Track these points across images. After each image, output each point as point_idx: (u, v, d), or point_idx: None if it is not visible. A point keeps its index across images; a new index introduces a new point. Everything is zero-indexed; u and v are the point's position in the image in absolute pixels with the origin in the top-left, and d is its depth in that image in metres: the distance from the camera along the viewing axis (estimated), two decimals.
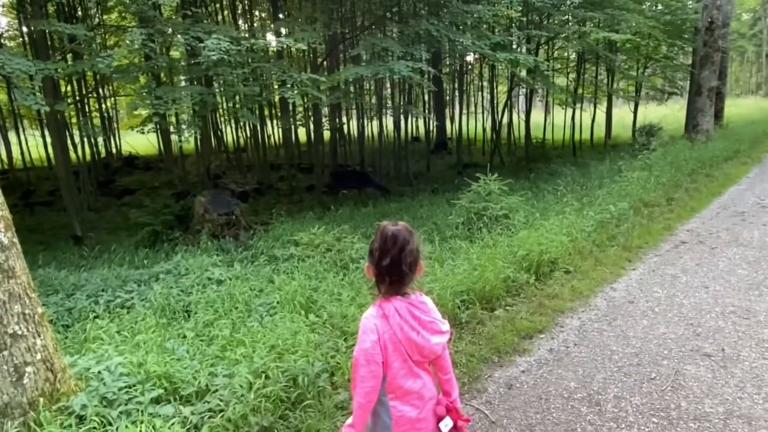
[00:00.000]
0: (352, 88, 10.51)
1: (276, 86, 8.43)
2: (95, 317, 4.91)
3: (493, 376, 3.39)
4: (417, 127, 22.33)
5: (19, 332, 2.77)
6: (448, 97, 23.57)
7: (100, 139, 15.58)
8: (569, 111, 20.43)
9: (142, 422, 2.81)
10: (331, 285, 5.08)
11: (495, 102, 19.02)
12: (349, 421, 1.93)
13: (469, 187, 7.55)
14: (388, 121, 21.41)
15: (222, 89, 10.40)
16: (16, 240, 2.87)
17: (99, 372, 3.25)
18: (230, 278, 5.87)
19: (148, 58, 8.12)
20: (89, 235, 8.66)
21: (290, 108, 10.78)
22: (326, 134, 16.91)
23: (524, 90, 20.95)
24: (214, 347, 3.92)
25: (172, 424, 2.79)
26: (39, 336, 2.89)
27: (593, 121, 20.55)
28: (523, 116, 19.42)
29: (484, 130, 20.80)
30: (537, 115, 21.23)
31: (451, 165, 17.14)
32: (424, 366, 1.97)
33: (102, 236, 8.83)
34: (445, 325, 1.98)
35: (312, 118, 13.07)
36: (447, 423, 1.99)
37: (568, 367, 3.46)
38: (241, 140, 17.32)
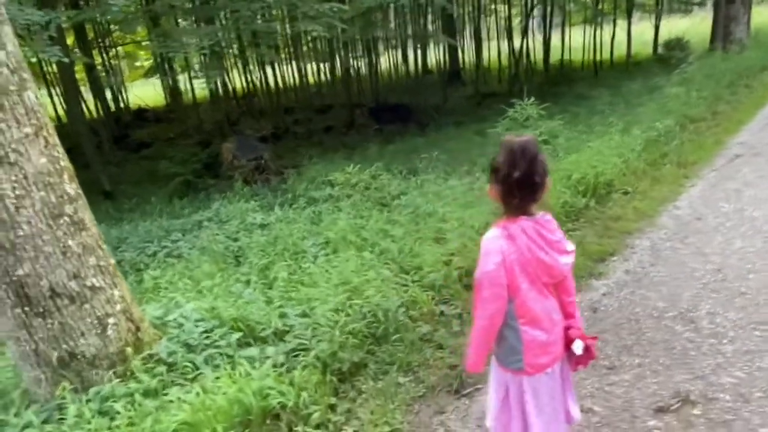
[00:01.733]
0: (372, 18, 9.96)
1: (293, 20, 7.97)
2: (146, 268, 4.89)
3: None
4: (427, 59, 21.53)
5: (97, 284, 2.69)
6: (458, 26, 22.53)
7: (108, 94, 15.20)
8: (587, 31, 19.51)
9: (230, 365, 2.78)
10: (378, 222, 4.95)
11: (511, 25, 18.13)
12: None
13: (494, 117, 7.27)
14: (397, 55, 20.67)
15: (235, 27, 9.88)
16: (80, 191, 2.74)
17: (175, 319, 3.21)
18: (273, 221, 5.80)
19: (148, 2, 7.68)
20: (119, 188, 8.56)
21: (306, 45, 10.28)
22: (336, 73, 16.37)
23: (539, 12, 19.93)
24: (276, 290, 3.84)
25: (261, 365, 2.74)
26: (116, 287, 2.82)
27: (613, 39, 19.59)
28: (540, 39, 18.62)
29: (499, 57, 20.00)
30: (553, 38, 20.28)
31: (469, 96, 16.60)
32: (551, 288, 1.86)
33: (130, 190, 8.73)
34: (571, 245, 1.84)
35: (328, 55, 12.51)
36: (578, 344, 1.89)
37: (650, 288, 3.35)
38: (250, 85, 16.86)
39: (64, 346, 2.57)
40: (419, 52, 17.54)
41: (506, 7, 18.41)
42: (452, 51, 20.29)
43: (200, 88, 15.59)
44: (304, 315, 3.27)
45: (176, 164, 7.77)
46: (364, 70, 17.24)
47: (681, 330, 2.87)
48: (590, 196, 4.83)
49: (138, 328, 2.91)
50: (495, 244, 1.73)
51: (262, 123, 14.39)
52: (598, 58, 17.81)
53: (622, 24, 19.70)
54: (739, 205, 4.48)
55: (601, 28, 18.93)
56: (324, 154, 9.33)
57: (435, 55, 20.16)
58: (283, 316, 3.28)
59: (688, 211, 4.52)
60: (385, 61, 21.17)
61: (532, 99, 7.24)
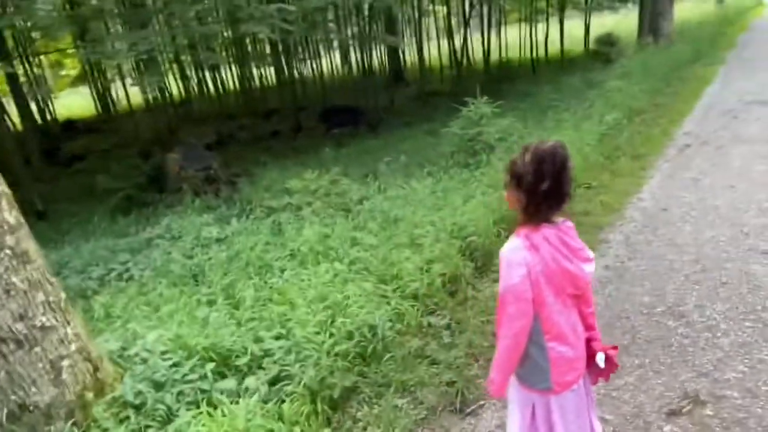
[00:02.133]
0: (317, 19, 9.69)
1: (236, 22, 7.59)
2: (94, 294, 4.47)
3: None
4: (369, 60, 21.42)
5: (48, 323, 2.35)
6: (399, 27, 22.57)
7: (34, 105, 14.11)
8: (523, 29, 20.05)
9: (207, 401, 2.50)
10: (345, 230, 4.74)
11: (450, 25, 18.31)
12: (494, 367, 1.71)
13: (441, 116, 7.23)
14: (337, 57, 20.41)
15: (170, 31, 9.36)
16: (22, 219, 2.39)
17: (137, 353, 2.89)
18: (231, 235, 5.47)
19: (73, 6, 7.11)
20: (54, 207, 7.87)
21: (249, 48, 9.89)
22: (272, 76, 15.91)
23: (477, 12, 20.24)
24: (244, 311, 3.56)
25: (243, 399, 2.48)
26: (69, 324, 2.48)
27: (547, 36, 20.19)
28: (478, 38, 18.91)
29: (440, 57, 20.18)
30: (491, 37, 20.65)
31: (413, 96, 16.60)
32: (573, 300, 1.73)
33: (66, 208, 8.05)
34: (590, 252, 1.73)
35: (271, 58, 12.12)
36: (601, 357, 1.78)
37: (633, 283, 3.33)
38: (189, 91, 16.12)
39: (14, 397, 2.22)
40: (360, 53, 17.39)
41: (445, 7, 18.56)
42: (394, 52, 20.28)
43: (134, 96, 14.77)
44: (280, 337, 3.01)
45: (116, 178, 7.21)
46: (307, 72, 16.91)
47: (674, 325, 2.84)
48: None
49: (96, 368, 2.58)
50: (518, 255, 1.59)
51: (204, 130, 13.77)
52: (534, 55, 18.28)
53: (553, 21, 20.36)
54: (699, 195, 4.60)
55: (535, 26, 19.50)
56: (275, 161, 8.99)
57: (376, 56, 20.06)
58: (258, 340, 3.01)
59: (653, 203, 4.58)
60: (327, 64, 20.91)
61: (485, 97, 7.22)
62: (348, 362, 2.67)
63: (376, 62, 20.18)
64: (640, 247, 3.82)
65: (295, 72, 15.15)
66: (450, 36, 18.04)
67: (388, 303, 3.16)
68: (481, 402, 2.46)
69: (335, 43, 18.72)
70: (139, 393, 2.52)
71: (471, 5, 15.72)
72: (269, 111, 15.08)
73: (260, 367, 2.83)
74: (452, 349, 2.84)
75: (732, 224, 3.92)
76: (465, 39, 16.10)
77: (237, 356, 2.89)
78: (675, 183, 4.98)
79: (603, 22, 23.45)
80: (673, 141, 6.38)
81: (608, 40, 16.56)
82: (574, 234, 1.66)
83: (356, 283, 3.37)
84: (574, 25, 22.06)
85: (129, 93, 14.78)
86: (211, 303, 3.81)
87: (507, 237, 3.96)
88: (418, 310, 3.14)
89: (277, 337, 3.00)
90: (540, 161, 1.54)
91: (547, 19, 20.36)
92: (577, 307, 1.76)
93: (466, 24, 15.65)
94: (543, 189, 1.54)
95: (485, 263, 3.77)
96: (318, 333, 2.88)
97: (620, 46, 17.21)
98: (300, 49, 15.86)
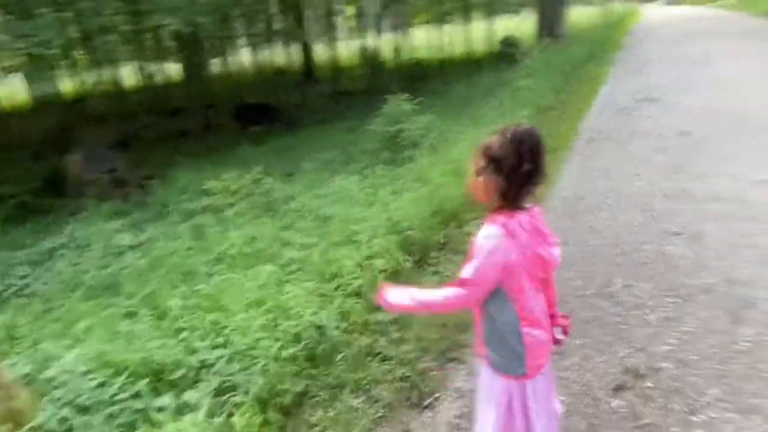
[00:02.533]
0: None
1: (143, 14, 7.08)
2: None
3: None
4: (281, 57, 20.97)
5: None
6: (310, 25, 22.26)
7: None
8: (431, 31, 20.61)
9: (145, 421, 2.29)
10: (273, 230, 4.58)
11: (363, 24, 18.37)
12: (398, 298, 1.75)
13: (356, 114, 7.25)
14: (245, 53, 19.76)
15: (60, 23, 8.51)
16: None
17: (53, 377, 2.58)
18: (146, 241, 5.11)
19: None
20: None
21: (154, 42, 9.25)
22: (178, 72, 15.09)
23: (386, 12, 20.48)
24: (172, 321, 3.31)
25: (188, 414, 2.29)
26: None
27: (454, 38, 20.87)
28: (388, 38, 19.16)
29: (352, 56, 20.23)
30: (399, 38, 20.99)
31: (326, 94, 16.47)
32: (541, 283, 1.75)
33: None
34: (556, 239, 1.75)
35: (177, 53, 11.44)
36: (558, 330, 1.86)
37: (566, 268, 3.46)
38: (87, 88, 14.82)
39: None
40: (270, 50, 16.98)
41: (354, 7, 18.60)
42: (305, 50, 20.00)
43: (18, 93, 13.34)
44: (218, 347, 2.83)
45: (5, 184, 6.45)
46: (215, 68, 16.19)
47: (606, 305, 3.01)
48: None
49: (10, 396, 2.26)
50: (495, 243, 1.58)
51: (103, 130, 12.72)
52: (441, 56, 18.82)
53: (459, 24, 21.12)
54: (610, 184, 4.94)
55: (442, 28, 20.12)
56: (189, 161, 8.48)
57: (287, 53, 19.69)
58: (193, 351, 2.81)
59: (571, 192, 4.86)
60: (235, 60, 20.18)
61: (406, 95, 7.30)
62: (297, 366, 2.55)
63: (286, 60, 19.80)
64: (564, 233, 4.02)
65: (203, 68, 14.45)
66: (361, 35, 18.09)
67: (331, 302, 3.07)
68: (437, 394, 2.46)
69: (244, 39, 18.10)
70: (63, 419, 2.25)
71: (384, 6, 15.79)
72: (175, 109, 14.26)
73: (198, 381, 2.64)
74: (402, 344, 2.81)
75: (642, 209, 4.25)
76: (377, 38, 16.12)
77: (171, 370, 2.68)
78: (587, 174, 5.32)
79: (506, 24, 24.60)
80: (579, 136, 6.81)
81: (511, 42, 17.43)
82: (543, 219, 1.69)
83: (295, 283, 3.25)
84: (477, 28, 22.98)
85: (13, 90, 13.32)
86: (131, 315, 3.51)
87: (444, 229, 4.02)
88: (363, 307, 3.07)
89: (214, 347, 2.81)
90: (520, 142, 1.53)
91: (453, 21, 21.06)
92: (543, 289, 1.79)
93: (378, 24, 15.72)
94: (524, 171, 1.53)
95: (423, 257, 3.79)
96: (259, 339, 2.74)
97: (522, 48, 18.17)
98: (208, 44, 15.13)
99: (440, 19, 19.47)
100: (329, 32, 18.46)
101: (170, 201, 6.14)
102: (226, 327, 2.91)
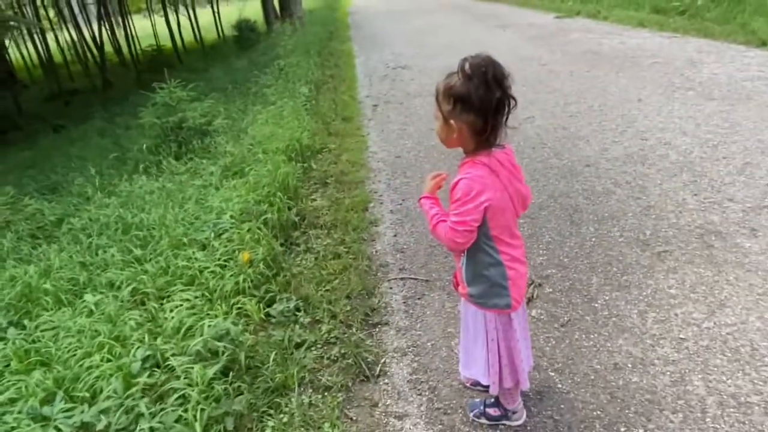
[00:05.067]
0: None
1: None
2: None
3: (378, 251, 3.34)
4: None
5: None
6: None
7: None
8: (151, 19, 18.91)
9: None
10: (69, 258, 3.74)
11: (72, 15, 15.73)
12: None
13: (100, 114, 6.41)
14: None
15: None
16: None
17: None
18: None
19: None
20: None
21: None
22: None
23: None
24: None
25: None
26: None
27: (179, 25, 19.60)
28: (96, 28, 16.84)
29: (62, 50, 17.19)
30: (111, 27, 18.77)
31: (46, 97, 13.76)
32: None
33: None
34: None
35: None
36: None
37: (418, 219, 3.68)
38: None
39: None
40: None
41: None
42: None
43: None
44: (86, 400, 2.21)
45: None
46: None
47: None
48: (305, 158, 4.88)
49: None
50: (480, 183, 1.55)
51: None
52: (169, 44, 17.50)
53: (180, 12, 19.85)
54: (414, 141, 5.35)
55: (166, 16, 18.63)
56: None
57: None
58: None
59: (385, 153, 5.11)
60: None
61: (178, 81, 6.59)
62: (227, 384, 2.16)
63: None
64: (401, 188, 4.24)
65: None
66: (77, 28, 15.49)
67: (221, 306, 2.66)
68: (382, 360, 2.38)
69: None
70: None
71: None
72: None
73: None
74: (318, 325, 2.62)
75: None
76: (100, 29, 14.02)
77: None
78: (389, 135, 5.65)
79: (228, 11, 23.96)
80: (362, 103, 7.16)
81: (248, 26, 17.15)
82: (513, 154, 1.68)
83: (175, 299, 2.71)
84: (202, 14, 21.91)
85: None
86: None
87: (297, 204, 3.82)
88: (257, 304, 2.74)
89: (82, 402, 2.19)
90: (483, 73, 1.47)
91: (177, 10, 19.67)
92: None
93: (104, 12, 13.66)
94: (496, 100, 1.49)
95: (286, 238, 3.55)
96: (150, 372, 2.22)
97: (257, 30, 18.05)
98: None
99: (160, 6, 17.94)
100: (30, 28, 15.25)
101: None
102: (63, 381, 2.30)
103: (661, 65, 6.78)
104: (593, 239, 3.11)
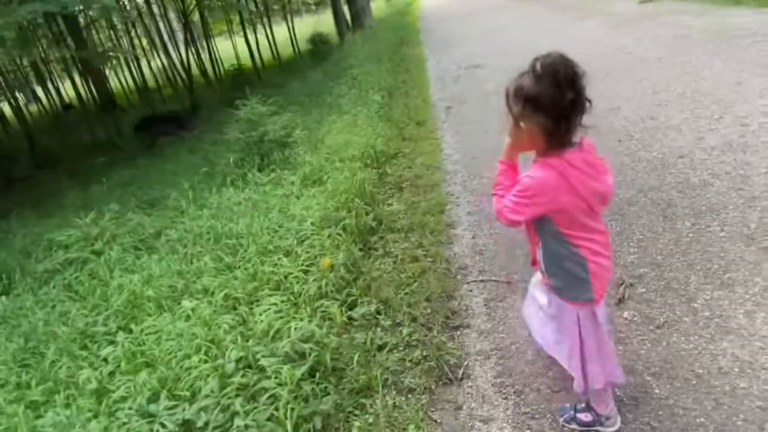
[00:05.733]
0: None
1: None
2: None
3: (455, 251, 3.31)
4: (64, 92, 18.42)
5: None
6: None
7: None
8: (233, 40, 19.96)
9: None
10: (169, 266, 4.00)
11: (163, 42, 16.97)
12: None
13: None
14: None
15: None
16: None
17: None
18: (1, 320, 4.12)
19: None
20: None
21: None
22: None
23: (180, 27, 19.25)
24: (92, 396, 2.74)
25: None
26: None
27: (258, 44, 20.50)
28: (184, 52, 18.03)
29: (154, 76, 18.62)
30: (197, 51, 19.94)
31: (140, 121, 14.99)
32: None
33: None
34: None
35: None
36: None
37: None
38: None
39: None
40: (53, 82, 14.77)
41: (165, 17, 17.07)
42: (99, 78, 17.82)
43: None
44: (186, 400, 2.36)
45: None
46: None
47: None
48: (381, 164, 4.94)
49: None
50: (540, 188, 1.52)
51: None
52: (253, 62, 18.34)
53: (259, 30, 20.78)
54: (487, 142, 5.25)
55: (246, 36, 19.58)
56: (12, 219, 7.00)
57: (74, 87, 17.34)
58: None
59: (460, 155, 5.06)
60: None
61: (258, 97, 6.92)
62: (314, 385, 2.23)
63: (73, 93, 17.46)
64: (478, 190, 4.19)
65: None
66: (167, 53, 16.71)
67: (305, 309, 2.75)
68: (465, 363, 2.35)
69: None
70: None
71: (186, 20, 14.73)
72: None
73: None
74: (399, 328, 2.64)
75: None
76: (187, 52, 15.00)
77: None
78: (464, 136, 5.60)
79: (302, 26, 24.80)
80: (434, 106, 7.15)
81: (322, 39, 17.67)
82: (593, 150, 1.60)
83: (263, 303, 2.84)
84: (279, 31, 22.85)
85: None
86: (39, 406, 2.80)
87: (374, 209, 3.89)
88: (339, 307, 2.81)
89: (183, 401, 2.34)
90: (554, 72, 1.43)
91: (255, 29, 20.63)
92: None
93: (190, 38, 14.64)
94: (568, 101, 1.43)
95: (365, 243, 3.61)
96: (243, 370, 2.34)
97: (330, 42, 18.56)
98: None
99: (246, 27, 18.92)
100: (127, 55, 16.66)
101: (10, 268, 4.98)
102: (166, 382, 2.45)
103: (762, 44, 6.19)
104: (690, 235, 2.89)
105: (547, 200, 1.54)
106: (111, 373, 2.81)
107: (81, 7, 6.11)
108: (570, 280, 1.68)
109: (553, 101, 1.45)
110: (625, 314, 2.42)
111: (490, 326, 2.58)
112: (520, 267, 3.01)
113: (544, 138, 1.51)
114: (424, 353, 2.42)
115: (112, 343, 3.16)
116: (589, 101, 1.49)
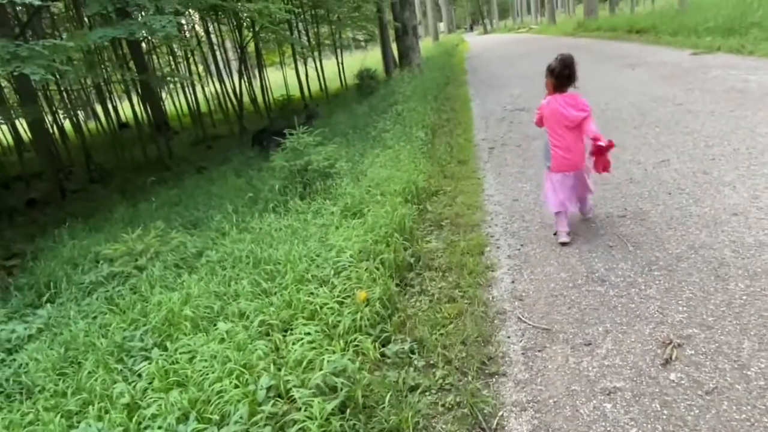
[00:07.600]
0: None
1: None
2: None
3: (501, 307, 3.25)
4: (122, 112, 19.34)
5: None
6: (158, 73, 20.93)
7: None
8: (284, 71, 20.62)
9: None
10: (203, 285, 4.06)
11: (218, 68, 17.72)
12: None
13: (238, 157, 6.89)
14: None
15: None
16: None
17: None
18: (43, 328, 4.24)
19: None
20: None
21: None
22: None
23: (236, 55, 20.10)
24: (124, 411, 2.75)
25: None
26: None
27: (307, 76, 21.12)
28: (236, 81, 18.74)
29: (207, 102, 19.39)
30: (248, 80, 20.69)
31: (194, 142, 15.55)
32: (574, 130, 3.65)
33: None
34: (585, 110, 3.60)
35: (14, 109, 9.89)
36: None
37: (540, 263, 3.54)
38: None
39: None
40: (112, 102, 15.55)
41: (221, 47, 17.89)
42: (155, 100, 18.68)
43: None
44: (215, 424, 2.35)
45: None
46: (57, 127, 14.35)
47: (602, 290, 3.09)
48: (421, 200, 4.95)
49: None
50: (542, 105, 3.78)
51: None
52: (300, 94, 18.88)
53: (309, 62, 21.45)
54: (533, 184, 5.20)
55: (297, 68, 20.25)
56: (42, 233, 7.30)
57: (131, 107, 18.22)
58: None
59: (502, 197, 5.02)
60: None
61: (307, 127, 7.09)
62: (343, 421, 2.19)
63: (129, 113, 18.34)
64: (519, 233, 4.12)
65: (54, 126, 12.73)
66: (221, 79, 17.43)
67: (338, 342, 2.74)
68: (500, 413, 2.27)
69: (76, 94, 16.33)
70: None
71: (242, 51, 15.38)
72: (6, 180, 12.37)
73: None
74: (433, 370, 2.58)
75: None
76: (241, 80, 15.58)
77: None
78: (506, 178, 5.56)
79: (350, 61, 25.47)
80: (478, 146, 7.16)
81: (369, 74, 18.10)
82: (575, 99, 3.62)
83: (297, 332, 2.85)
84: (326, 65, 23.54)
85: None
86: (72, 416, 2.85)
87: (413, 245, 3.87)
88: (372, 342, 2.78)
89: (212, 424, 2.34)
90: (563, 60, 3.60)
91: (306, 62, 21.30)
92: (579, 131, 3.63)
93: (244, 67, 15.25)
94: (564, 74, 3.61)
95: (401, 279, 3.59)
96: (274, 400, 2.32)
97: (377, 78, 18.97)
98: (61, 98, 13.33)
99: (297, 58, 19.59)
100: (183, 81, 17.45)
101: (56, 278, 5.16)
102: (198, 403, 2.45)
103: None
104: (743, 297, 2.76)
105: (541, 113, 3.77)
106: (144, 390, 2.84)
107: (146, 34, 6.49)
108: (545, 156, 3.86)
109: (558, 72, 3.62)
110: (672, 376, 2.31)
111: (527, 376, 2.50)
112: (562, 316, 2.93)
113: (552, 87, 3.70)
114: (458, 399, 2.36)
115: (147, 359, 3.21)
116: (575, 77, 3.67)
